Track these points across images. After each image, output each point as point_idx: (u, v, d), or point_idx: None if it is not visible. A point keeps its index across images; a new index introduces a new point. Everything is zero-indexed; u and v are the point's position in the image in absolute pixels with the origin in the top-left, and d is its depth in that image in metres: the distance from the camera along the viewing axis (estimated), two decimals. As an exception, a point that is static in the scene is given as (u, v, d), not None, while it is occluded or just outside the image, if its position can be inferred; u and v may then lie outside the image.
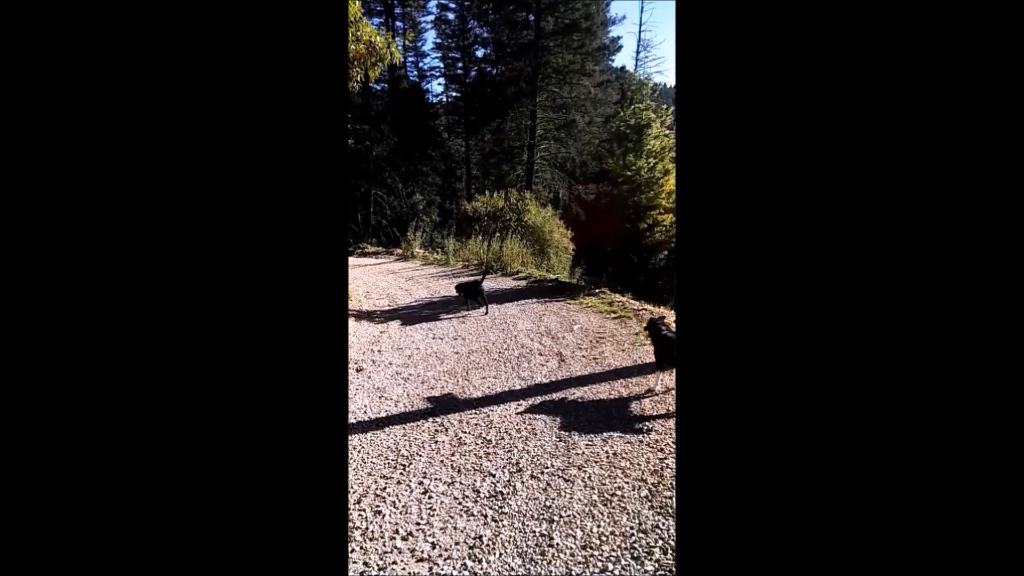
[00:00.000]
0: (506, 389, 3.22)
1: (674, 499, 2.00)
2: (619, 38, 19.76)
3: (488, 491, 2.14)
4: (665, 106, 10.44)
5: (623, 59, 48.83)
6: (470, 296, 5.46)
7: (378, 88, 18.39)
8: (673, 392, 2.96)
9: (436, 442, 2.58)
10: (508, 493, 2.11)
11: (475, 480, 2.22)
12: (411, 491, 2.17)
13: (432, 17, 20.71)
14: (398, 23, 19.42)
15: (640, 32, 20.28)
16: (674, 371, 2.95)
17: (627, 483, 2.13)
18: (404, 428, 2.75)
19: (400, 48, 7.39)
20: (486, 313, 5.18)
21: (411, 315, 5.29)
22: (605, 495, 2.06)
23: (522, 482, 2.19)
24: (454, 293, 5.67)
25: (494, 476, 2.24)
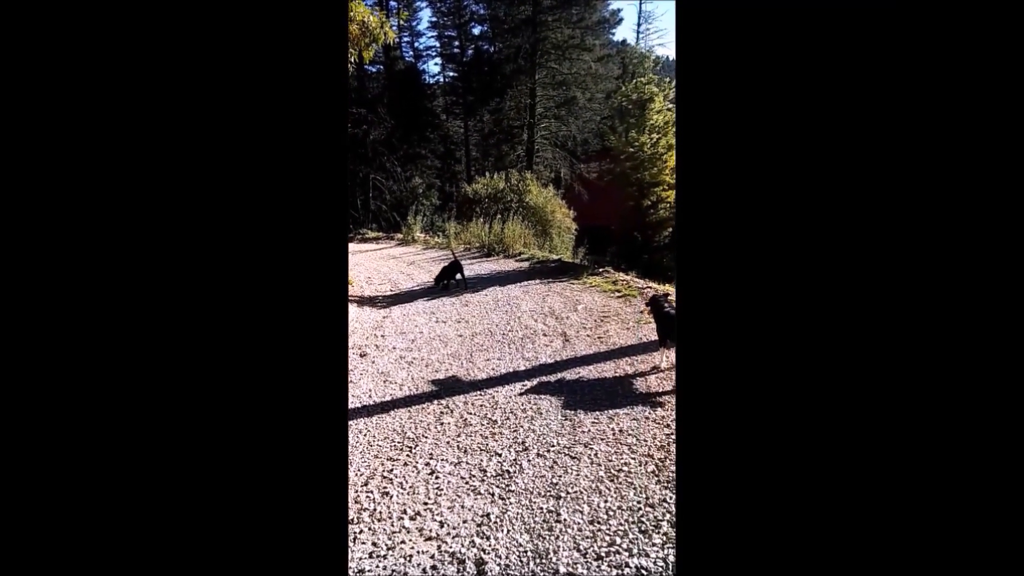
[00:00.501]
0: (511, 370, 3.21)
1: (681, 474, 2.00)
2: (619, 10, 19.24)
3: (495, 470, 2.14)
4: (668, 79, 10.20)
5: (624, 32, 47.62)
6: (450, 277, 5.54)
7: (373, 70, 18.09)
8: (678, 368, 2.95)
9: (442, 424, 2.59)
10: (515, 471, 2.12)
11: (481, 460, 2.23)
12: (418, 472, 2.18)
13: (427, -6, 20.23)
14: (392, 2, 18.99)
15: (641, 3, 19.70)
16: (679, 347, 2.94)
17: (633, 459, 2.13)
18: (409, 411, 2.76)
19: (394, 28, 7.21)
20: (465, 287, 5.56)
21: (414, 299, 5.29)
22: (612, 471, 2.07)
23: (528, 460, 2.19)
24: (457, 277, 5.69)
25: (500, 455, 2.25)
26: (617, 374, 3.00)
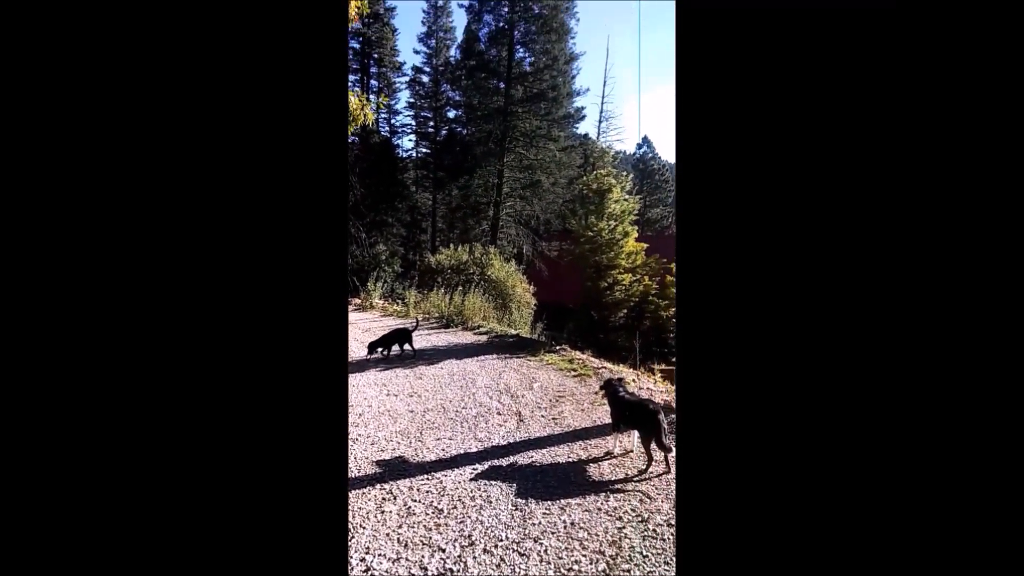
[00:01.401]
0: (461, 452, 3.08)
1: (631, 572, 1.91)
2: (583, 108, 21.13)
3: (437, 568, 1.97)
4: (625, 172, 11.11)
5: (587, 127, 52.42)
6: (390, 345, 5.42)
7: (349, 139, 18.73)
8: (631, 455, 2.92)
9: (382, 512, 2.40)
10: (458, 570, 1.96)
11: (423, 555, 2.05)
12: (351, 569, 1.97)
13: (407, 78, 21.75)
14: (373, 82, 20.20)
15: (603, 104, 21.86)
16: (633, 432, 2.93)
17: (584, 556, 2.03)
18: (348, 496, 2.55)
19: (374, 110, 7.61)
20: (413, 355, 5.52)
21: (365, 369, 5.09)
22: (562, 570, 1.95)
23: (474, 557, 2.04)
24: (405, 347, 5.53)
25: (444, 551, 2.08)
26: (570, 459, 2.93)
